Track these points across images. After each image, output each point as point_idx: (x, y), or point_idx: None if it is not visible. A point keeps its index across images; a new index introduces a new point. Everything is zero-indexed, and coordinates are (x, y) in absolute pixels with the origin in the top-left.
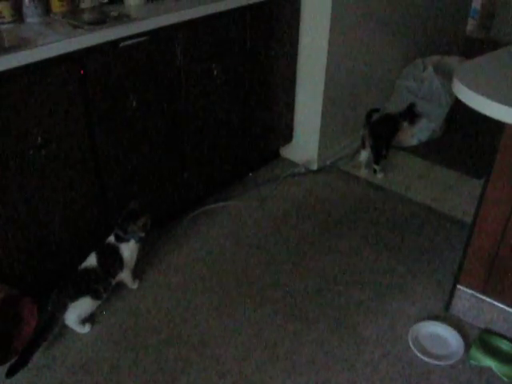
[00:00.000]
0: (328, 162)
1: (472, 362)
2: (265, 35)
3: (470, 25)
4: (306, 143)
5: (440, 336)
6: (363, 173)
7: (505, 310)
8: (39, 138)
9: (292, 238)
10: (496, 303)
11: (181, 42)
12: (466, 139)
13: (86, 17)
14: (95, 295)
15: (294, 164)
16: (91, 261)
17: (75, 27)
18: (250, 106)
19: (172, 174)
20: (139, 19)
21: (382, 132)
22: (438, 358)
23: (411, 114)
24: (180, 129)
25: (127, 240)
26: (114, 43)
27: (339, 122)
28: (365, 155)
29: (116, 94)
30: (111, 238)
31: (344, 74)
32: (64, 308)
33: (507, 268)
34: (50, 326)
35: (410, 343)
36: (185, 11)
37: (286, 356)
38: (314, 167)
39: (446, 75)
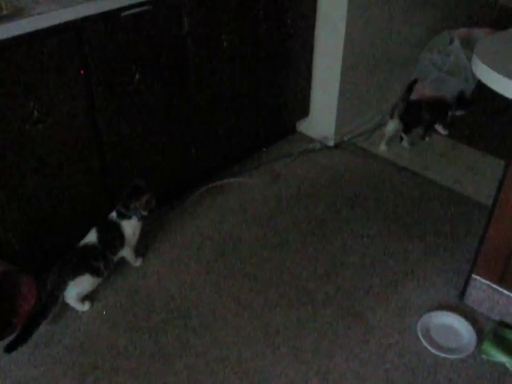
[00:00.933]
0: (345, 138)
1: (484, 356)
2: (280, 3)
3: None
4: (322, 118)
5: (451, 327)
6: (383, 148)
7: None
8: (35, 112)
9: (303, 217)
10: None
11: (188, 10)
12: (492, 116)
13: None
14: (95, 273)
15: (310, 139)
16: (91, 237)
17: None
18: (264, 79)
19: (179, 148)
20: None
21: (427, 113)
22: (447, 350)
23: (463, 102)
24: (187, 102)
25: (129, 217)
26: (115, 12)
27: (358, 97)
28: (392, 127)
29: (118, 66)
30: (113, 215)
31: (364, 46)
32: (63, 286)
33: None
34: (50, 304)
35: (419, 334)
36: None
37: (288, 342)
38: (331, 143)
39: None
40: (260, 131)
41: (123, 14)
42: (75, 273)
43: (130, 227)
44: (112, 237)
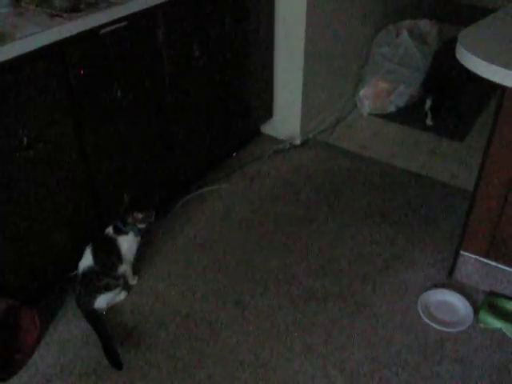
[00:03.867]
0: (310, 136)
1: (481, 325)
2: (242, 13)
3: None
4: (287, 118)
5: (448, 303)
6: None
7: (508, 271)
8: (25, 139)
9: (286, 215)
10: (500, 266)
11: (161, 23)
12: (443, 102)
13: (58, 4)
14: (107, 289)
15: (275, 140)
16: (87, 260)
17: (53, 16)
18: (229, 86)
19: (159, 161)
20: (119, 3)
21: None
22: (448, 325)
23: None
24: (165, 114)
25: (126, 233)
26: (94, 31)
27: (319, 95)
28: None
29: (100, 85)
30: (109, 230)
31: (322, 44)
32: (93, 313)
33: (511, 230)
34: (101, 329)
35: (421, 313)
36: None
37: (300, 339)
38: (298, 142)
39: (420, 39)
40: (229, 137)
41: (102, 31)
42: (90, 299)
43: (127, 243)
44: (108, 254)
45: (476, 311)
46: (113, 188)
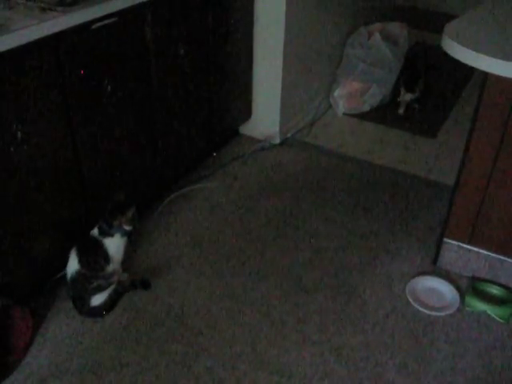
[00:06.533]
0: (289, 135)
1: (468, 308)
2: (224, 15)
3: None
4: (266, 118)
5: (435, 289)
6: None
7: (490, 256)
8: (19, 134)
9: (271, 211)
10: (482, 251)
11: (149, 20)
12: (415, 102)
13: None
14: (101, 290)
15: (254, 140)
16: (73, 265)
17: (44, 10)
18: (211, 85)
19: (146, 159)
20: None
21: None
22: (437, 309)
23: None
24: (151, 111)
25: (112, 235)
26: (86, 25)
27: (297, 95)
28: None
29: (92, 80)
30: (95, 231)
31: (300, 48)
32: (96, 311)
33: (491, 217)
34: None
35: (410, 299)
36: None
37: (295, 329)
38: (277, 141)
39: (391, 41)
40: (210, 136)
41: (93, 26)
42: (84, 302)
43: (114, 244)
44: (94, 256)
45: (462, 296)
46: (100, 187)
